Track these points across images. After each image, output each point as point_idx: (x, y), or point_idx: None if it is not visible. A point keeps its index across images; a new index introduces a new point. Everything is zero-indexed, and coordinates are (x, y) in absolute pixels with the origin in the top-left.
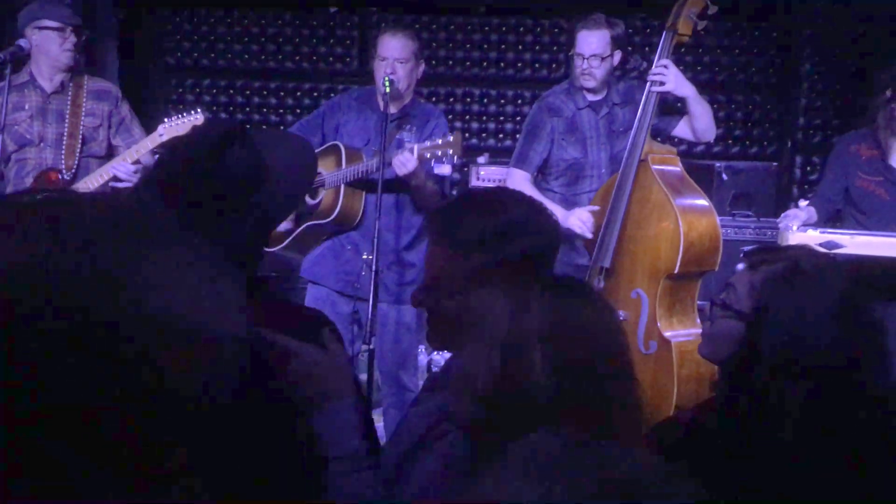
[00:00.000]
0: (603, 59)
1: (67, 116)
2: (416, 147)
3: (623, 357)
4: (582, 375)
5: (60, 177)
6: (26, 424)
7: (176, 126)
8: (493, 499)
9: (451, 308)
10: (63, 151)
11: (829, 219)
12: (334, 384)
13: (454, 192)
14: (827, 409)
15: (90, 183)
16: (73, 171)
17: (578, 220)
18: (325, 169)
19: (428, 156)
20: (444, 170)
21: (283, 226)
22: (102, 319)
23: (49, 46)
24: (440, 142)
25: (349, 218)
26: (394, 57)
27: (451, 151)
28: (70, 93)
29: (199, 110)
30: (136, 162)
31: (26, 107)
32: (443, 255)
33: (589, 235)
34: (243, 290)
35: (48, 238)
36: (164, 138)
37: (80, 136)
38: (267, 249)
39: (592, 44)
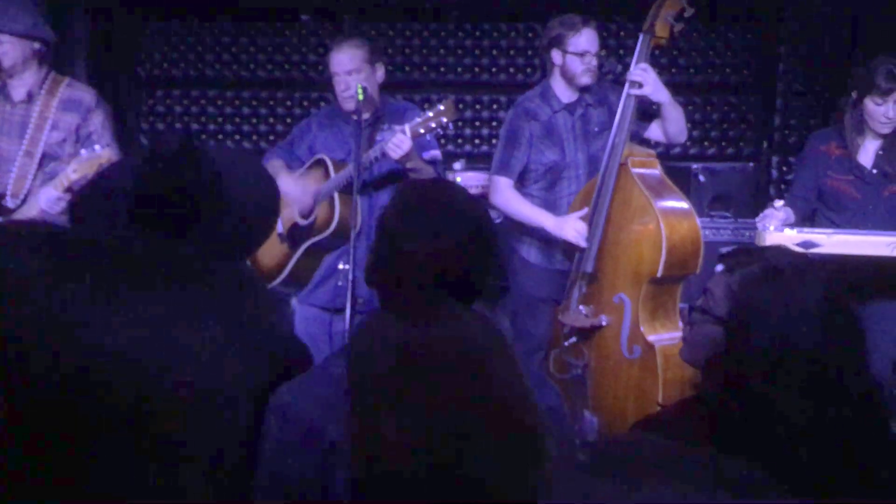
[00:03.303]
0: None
1: (29, 131)
2: (406, 127)
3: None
4: None
5: (3, 203)
6: None
7: (83, 165)
8: None
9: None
10: (14, 174)
11: (805, 217)
12: None
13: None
14: (817, 407)
15: (28, 212)
16: (23, 196)
17: (574, 231)
18: (315, 183)
19: (422, 131)
20: (434, 153)
21: (275, 258)
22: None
23: None
24: (431, 114)
25: (348, 229)
26: (344, 70)
27: (444, 119)
28: (39, 102)
29: (101, 146)
30: (68, 190)
31: None
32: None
33: (584, 245)
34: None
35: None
36: (76, 175)
37: (39, 156)
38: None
39: (596, 41)
